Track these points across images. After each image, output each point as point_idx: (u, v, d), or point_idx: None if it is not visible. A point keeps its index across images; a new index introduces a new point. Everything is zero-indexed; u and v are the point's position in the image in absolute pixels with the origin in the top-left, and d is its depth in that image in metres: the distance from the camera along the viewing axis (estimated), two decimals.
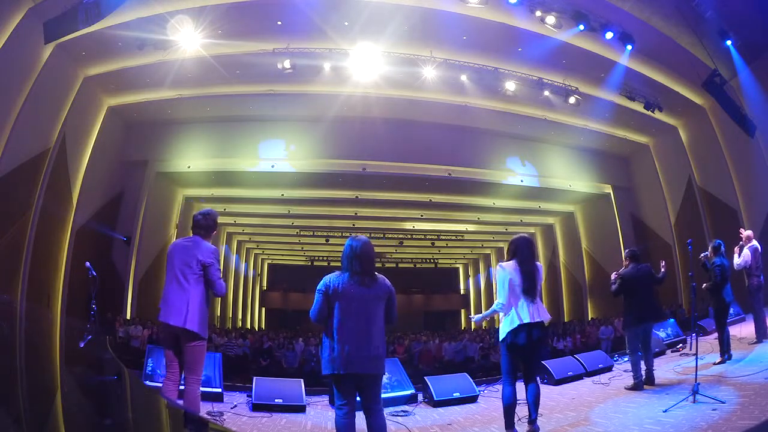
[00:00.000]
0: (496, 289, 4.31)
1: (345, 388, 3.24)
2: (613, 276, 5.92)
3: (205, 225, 4.04)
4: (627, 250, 6.01)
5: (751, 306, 7.18)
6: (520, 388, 4.03)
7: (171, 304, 3.76)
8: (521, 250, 4.08)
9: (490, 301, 23.33)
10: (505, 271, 4.03)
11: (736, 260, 6.84)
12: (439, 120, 13.76)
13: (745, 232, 7.01)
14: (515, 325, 3.91)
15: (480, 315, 4.33)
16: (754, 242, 6.86)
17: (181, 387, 3.92)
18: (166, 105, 12.91)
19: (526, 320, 3.89)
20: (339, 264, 3.42)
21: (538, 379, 4.24)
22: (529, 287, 3.96)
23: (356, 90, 12.05)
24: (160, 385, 4.15)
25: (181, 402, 3.82)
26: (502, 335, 4.00)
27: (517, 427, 4.00)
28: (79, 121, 11.31)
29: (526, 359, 4.04)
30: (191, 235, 4.05)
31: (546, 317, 4.00)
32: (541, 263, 4.20)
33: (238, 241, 21.95)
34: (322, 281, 3.34)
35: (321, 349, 3.33)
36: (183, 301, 3.76)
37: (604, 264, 15.74)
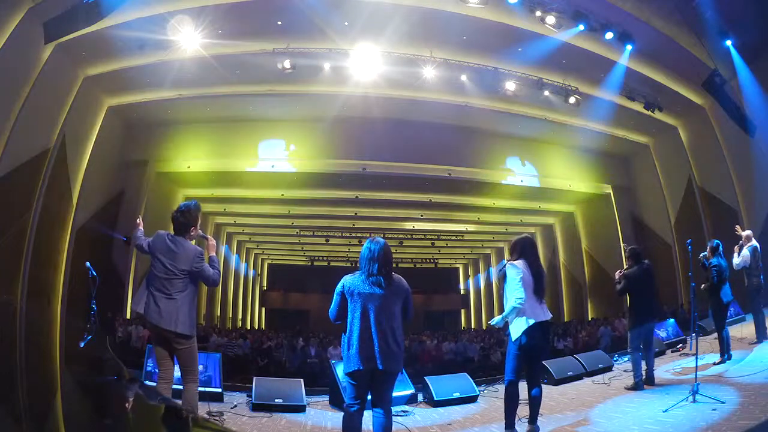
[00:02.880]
0: (500, 287, 4.30)
1: (360, 385, 3.36)
2: (617, 275, 5.91)
3: (185, 223, 3.92)
4: (629, 248, 5.94)
5: (750, 306, 7.18)
6: (521, 388, 4.04)
7: (162, 308, 3.74)
8: (528, 251, 4.12)
9: (490, 301, 23.32)
10: (518, 270, 4.02)
11: (735, 260, 6.84)
12: (439, 120, 13.73)
13: (745, 232, 7.00)
14: (531, 324, 3.92)
15: (500, 317, 4.17)
16: (754, 242, 6.86)
17: (178, 387, 3.91)
18: (166, 105, 12.89)
19: (540, 319, 3.96)
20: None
21: (540, 379, 4.26)
22: (539, 287, 4.03)
23: (356, 90, 12.03)
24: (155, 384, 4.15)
25: (179, 401, 3.82)
26: (515, 335, 3.97)
27: (517, 427, 4.01)
28: (79, 121, 11.29)
29: (534, 358, 4.08)
30: (173, 233, 3.92)
31: (550, 315, 4.10)
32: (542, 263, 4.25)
33: (238, 241, 21.95)
34: (340, 282, 3.48)
35: (341, 348, 3.46)
36: (173, 306, 3.76)
37: (604, 264, 15.74)
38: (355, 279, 3.42)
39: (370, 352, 3.28)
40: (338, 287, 3.46)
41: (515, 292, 3.95)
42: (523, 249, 4.13)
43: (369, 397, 3.43)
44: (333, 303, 3.49)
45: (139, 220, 4.38)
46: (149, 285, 3.83)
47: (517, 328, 3.96)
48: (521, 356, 4.00)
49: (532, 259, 4.09)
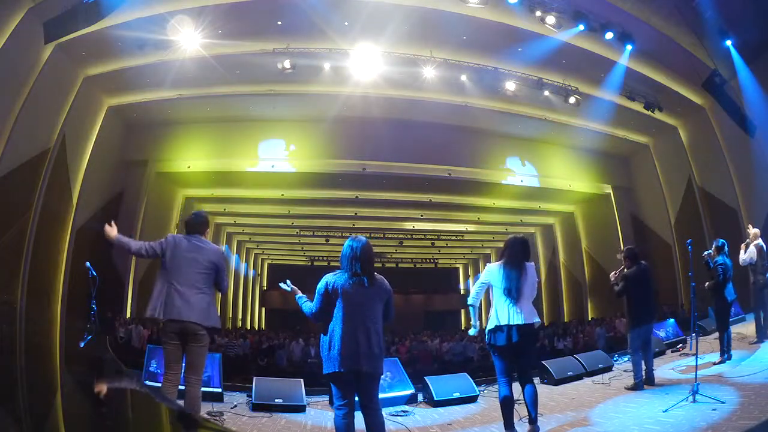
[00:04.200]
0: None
1: (344, 387, 3.27)
2: (612, 276, 5.90)
3: (203, 223, 4.13)
4: (625, 249, 5.93)
5: (754, 304, 7.18)
6: (519, 387, 4.04)
7: (193, 303, 3.79)
8: (509, 251, 4.07)
9: (489, 302, 23.31)
10: (487, 271, 4.07)
11: (742, 256, 6.84)
12: (439, 120, 13.73)
13: (753, 230, 7.03)
14: (492, 326, 3.93)
15: (472, 322, 4.29)
16: (760, 240, 6.88)
17: (181, 387, 3.91)
18: (166, 105, 12.89)
19: (504, 322, 3.88)
20: (339, 264, 3.44)
21: (534, 379, 4.22)
22: (509, 288, 3.92)
23: (356, 90, 12.02)
24: (160, 385, 4.15)
25: (181, 402, 3.82)
26: (486, 336, 4.03)
27: (517, 427, 4.00)
28: (79, 121, 11.29)
29: (522, 359, 4.02)
30: (187, 234, 4.04)
31: (532, 320, 3.92)
32: (533, 263, 4.15)
33: (238, 241, 21.95)
34: (321, 281, 3.38)
35: (321, 348, 3.36)
36: (205, 301, 3.84)
37: (604, 264, 15.71)
38: (338, 278, 3.34)
39: (352, 353, 3.20)
40: (320, 286, 3.36)
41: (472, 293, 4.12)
42: (505, 249, 4.11)
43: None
44: (315, 302, 3.39)
45: (113, 224, 4.03)
46: (175, 283, 3.82)
47: (487, 330, 4.02)
48: (498, 357, 3.99)
49: (509, 259, 4.02)
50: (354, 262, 3.33)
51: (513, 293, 3.91)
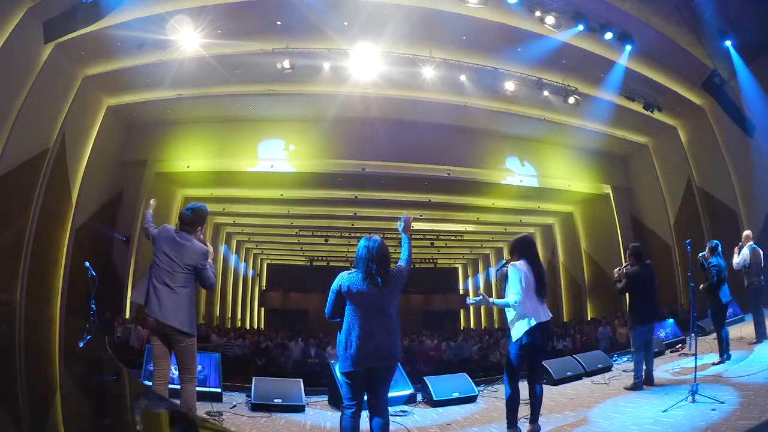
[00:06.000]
0: (500, 287, 4.34)
1: (357, 386, 3.33)
2: (616, 272, 5.88)
3: (195, 220, 3.98)
4: (631, 246, 5.87)
5: (750, 306, 7.19)
6: (522, 387, 4.05)
7: (163, 302, 3.74)
8: (528, 250, 4.14)
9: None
10: (520, 271, 4.04)
11: (735, 259, 6.85)
12: (439, 120, 13.74)
13: (744, 232, 7.05)
14: (532, 325, 3.94)
15: (492, 300, 4.25)
16: (752, 243, 6.88)
17: (177, 386, 3.91)
18: (166, 105, 12.89)
19: (542, 319, 3.98)
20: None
21: (542, 378, 4.28)
22: (541, 288, 4.04)
23: (356, 90, 12.03)
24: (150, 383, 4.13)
25: (177, 401, 3.81)
26: (516, 336, 4.00)
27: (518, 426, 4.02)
28: (79, 121, 11.30)
29: (535, 358, 4.10)
30: (178, 229, 3.96)
31: (550, 315, 4.12)
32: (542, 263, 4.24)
33: (237, 241, 21.96)
34: (336, 279, 3.43)
35: (338, 347, 3.41)
36: (173, 300, 3.75)
37: (603, 264, 15.75)
38: (352, 277, 3.37)
39: (369, 351, 3.25)
40: (334, 285, 3.41)
41: (514, 294, 4.00)
42: (523, 249, 4.14)
43: (365, 397, 3.41)
44: (328, 301, 3.44)
45: (153, 202, 4.47)
46: (152, 277, 3.82)
47: (519, 329, 3.99)
48: (522, 356, 4.02)
49: (533, 258, 4.11)
50: (369, 264, 3.35)
51: (543, 293, 4.06)
